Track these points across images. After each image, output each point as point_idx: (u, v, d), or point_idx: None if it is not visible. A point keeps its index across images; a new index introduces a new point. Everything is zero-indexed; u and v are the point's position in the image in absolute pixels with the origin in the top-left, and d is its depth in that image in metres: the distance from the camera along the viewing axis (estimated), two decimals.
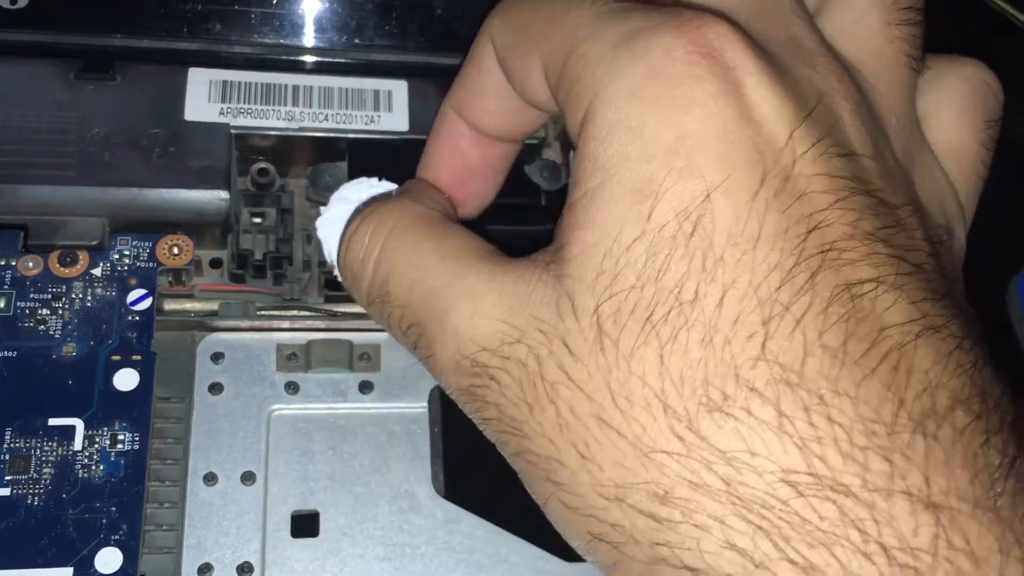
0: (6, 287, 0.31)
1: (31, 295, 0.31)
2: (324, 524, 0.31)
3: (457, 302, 0.22)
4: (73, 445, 0.29)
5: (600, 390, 0.19)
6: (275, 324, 0.34)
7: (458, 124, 0.27)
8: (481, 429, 0.23)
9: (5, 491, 0.28)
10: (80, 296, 0.32)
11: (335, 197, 0.28)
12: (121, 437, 0.30)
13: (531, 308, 0.20)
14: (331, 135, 0.35)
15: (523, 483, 0.22)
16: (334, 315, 0.34)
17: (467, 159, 0.28)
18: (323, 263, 0.35)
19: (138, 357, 0.31)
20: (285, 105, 0.35)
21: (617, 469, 0.19)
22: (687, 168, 0.19)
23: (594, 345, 0.19)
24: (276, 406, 0.33)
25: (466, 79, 0.27)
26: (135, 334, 0.31)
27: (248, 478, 0.31)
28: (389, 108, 0.36)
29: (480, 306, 0.21)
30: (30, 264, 0.32)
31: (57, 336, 0.31)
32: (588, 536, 0.20)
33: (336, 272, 0.26)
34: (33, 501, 0.28)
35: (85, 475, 0.29)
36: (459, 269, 0.22)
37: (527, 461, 0.21)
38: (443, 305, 0.22)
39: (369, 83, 0.36)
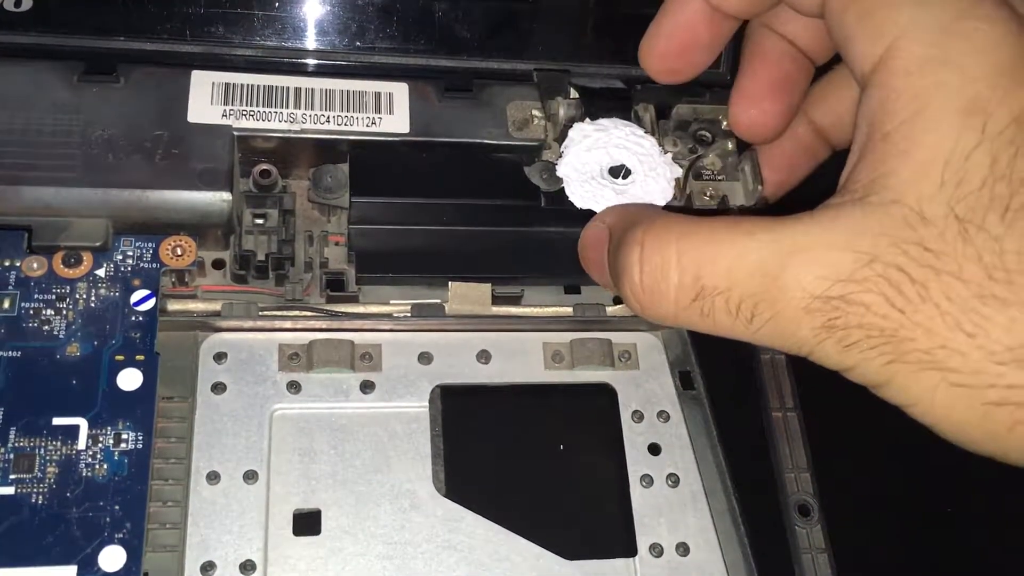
0: (11, 288, 0.31)
1: (35, 296, 0.31)
2: (326, 523, 0.32)
3: (787, 259, 0.23)
4: (77, 444, 0.29)
5: (975, 273, 0.22)
6: (277, 324, 0.34)
7: (693, 0, 0.30)
8: (837, 364, 0.24)
9: (9, 490, 0.29)
10: (84, 297, 0.32)
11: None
12: (125, 436, 0.30)
13: (871, 233, 0.23)
14: (333, 137, 0.35)
15: (890, 394, 0.23)
16: (335, 315, 0.34)
17: (695, 34, 0.31)
18: (324, 264, 0.35)
19: (141, 357, 0.31)
20: (287, 107, 0.35)
21: (1008, 333, 0.21)
22: (1012, 84, 0.22)
23: (956, 239, 0.22)
24: (278, 405, 0.33)
25: None
26: (138, 334, 0.31)
27: (250, 477, 0.32)
28: (390, 110, 0.36)
29: (813, 254, 0.23)
30: (34, 265, 0.32)
31: (61, 336, 0.31)
32: (984, 408, 0.22)
33: (628, 299, 0.27)
34: (37, 500, 0.29)
35: (89, 474, 0.29)
36: (772, 232, 0.24)
37: (904, 363, 0.22)
38: (772, 268, 0.24)
39: (370, 85, 0.36)
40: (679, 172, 0.34)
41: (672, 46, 0.31)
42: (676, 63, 0.31)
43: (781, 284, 0.23)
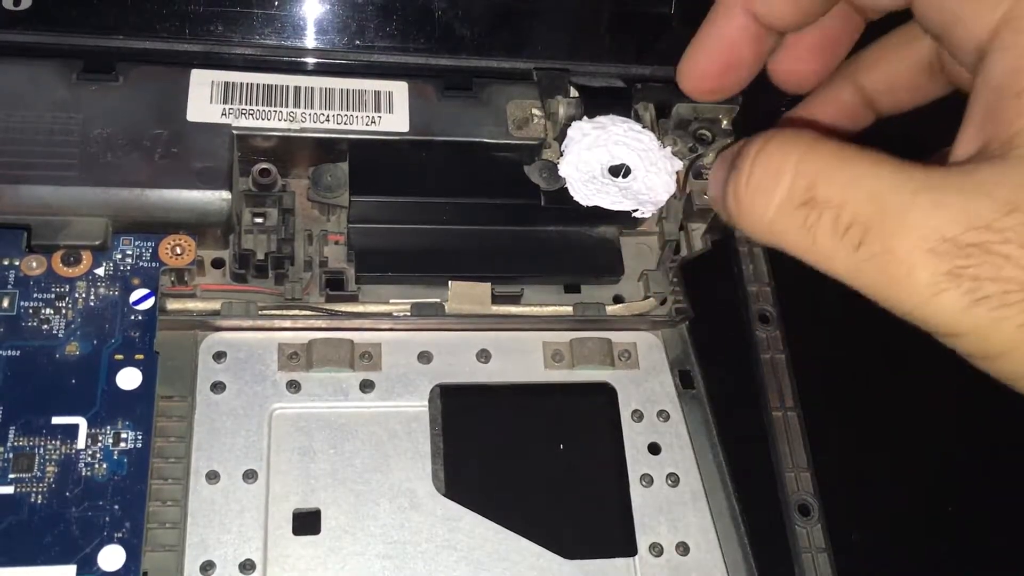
0: (10, 287, 0.31)
1: (34, 295, 0.31)
2: (325, 522, 0.32)
3: (915, 196, 0.22)
4: (76, 443, 0.29)
5: None
6: (276, 323, 0.34)
7: (737, 16, 0.29)
8: (951, 324, 0.22)
9: (9, 489, 0.28)
10: (83, 296, 0.32)
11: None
12: (124, 435, 0.30)
13: (1011, 184, 0.21)
14: (332, 136, 0.35)
15: (1012, 363, 0.22)
16: (335, 315, 0.34)
17: (739, 53, 0.30)
18: (324, 263, 0.35)
19: (141, 356, 0.31)
20: (286, 106, 0.35)
21: None
22: None
23: None
24: (278, 405, 0.33)
25: None
26: (138, 333, 0.31)
27: (250, 476, 0.32)
28: (390, 109, 0.36)
29: (946, 195, 0.22)
30: (33, 264, 0.32)
31: (60, 335, 0.31)
32: None
33: (727, 197, 0.26)
34: (36, 499, 0.28)
35: (88, 473, 0.29)
36: (901, 169, 0.23)
37: None
38: (897, 199, 0.22)
39: (370, 84, 0.36)
40: (680, 165, 0.34)
41: (713, 66, 0.30)
42: (717, 83, 0.30)
43: (904, 218, 0.22)
